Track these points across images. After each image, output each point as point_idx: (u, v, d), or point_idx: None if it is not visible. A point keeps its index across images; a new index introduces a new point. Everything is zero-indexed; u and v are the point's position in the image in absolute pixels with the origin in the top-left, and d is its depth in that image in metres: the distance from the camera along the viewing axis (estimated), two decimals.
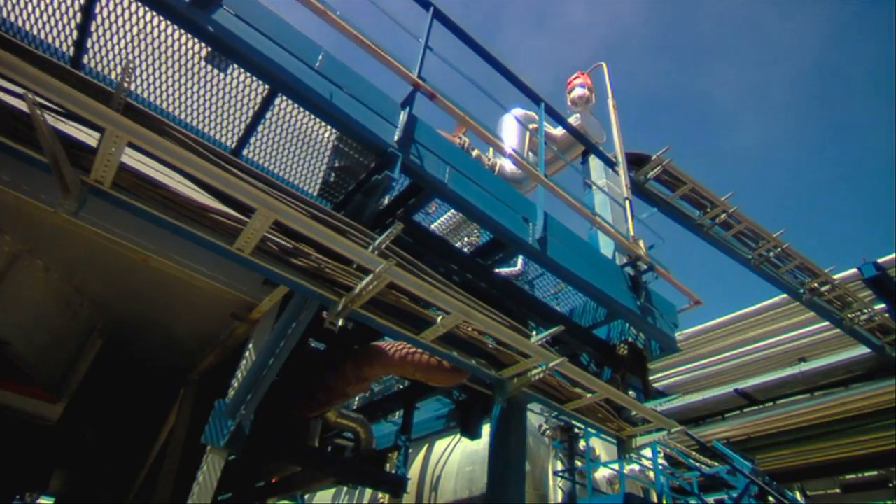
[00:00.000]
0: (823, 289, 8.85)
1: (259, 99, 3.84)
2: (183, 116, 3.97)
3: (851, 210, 57.10)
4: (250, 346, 4.09)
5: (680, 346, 17.03)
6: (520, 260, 6.10)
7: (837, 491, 15.40)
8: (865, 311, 9.41)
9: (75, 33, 3.56)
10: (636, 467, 9.97)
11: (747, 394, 14.09)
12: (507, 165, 7.46)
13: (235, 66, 3.68)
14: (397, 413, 8.25)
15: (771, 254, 8.33)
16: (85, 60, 3.71)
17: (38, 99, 2.40)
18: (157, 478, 5.00)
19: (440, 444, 10.63)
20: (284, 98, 3.79)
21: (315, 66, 3.58)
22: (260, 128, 4.02)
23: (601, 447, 9.95)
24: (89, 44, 3.61)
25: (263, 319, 4.28)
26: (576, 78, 7.81)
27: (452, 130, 7.35)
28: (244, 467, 7.98)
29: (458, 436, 9.23)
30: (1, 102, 2.59)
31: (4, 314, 3.99)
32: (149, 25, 3.56)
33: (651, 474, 9.47)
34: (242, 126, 4.02)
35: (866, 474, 14.52)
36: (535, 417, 9.78)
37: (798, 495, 14.97)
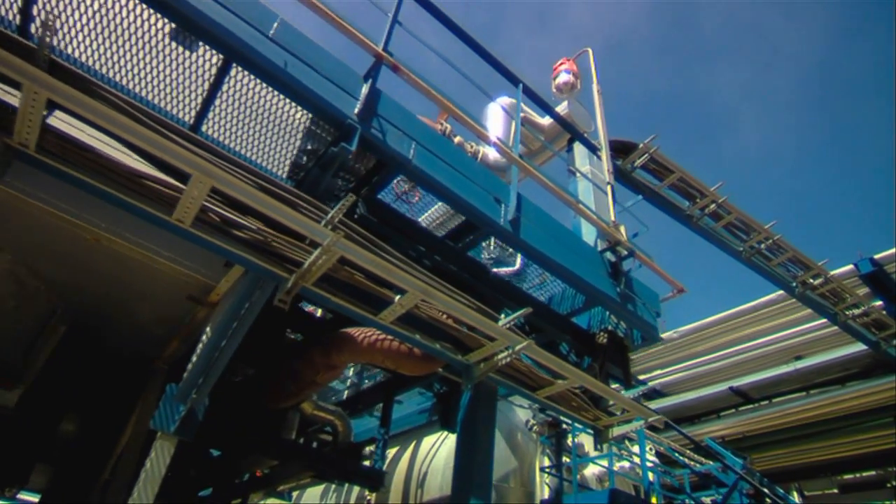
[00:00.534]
0: (816, 282, 8.66)
1: (214, 70, 3.68)
2: (138, 90, 3.82)
3: (854, 211, 56.83)
4: (207, 329, 3.92)
5: (675, 343, 16.87)
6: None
7: (835, 491, 15.19)
8: (862, 306, 9.22)
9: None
10: (627, 464, 9.79)
11: (742, 392, 13.91)
12: (491, 154, 7.29)
13: (188, 34, 3.52)
14: (380, 407, 8.08)
15: (762, 245, 8.15)
16: (32, 30, 3.56)
17: None
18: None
19: (428, 441, 10.45)
20: (240, 69, 3.64)
21: (269, 34, 3.43)
22: (217, 101, 3.86)
23: (592, 444, 9.77)
24: (35, 11, 3.46)
25: (223, 302, 4.12)
26: (561, 64, 7.63)
27: (436, 119, 7.20)
28: (222, 462, 7.83)
29: (447, 431, 9.08)
30: None
31: None
32: None
33: (643, 472, 9.28)
34: (199, 100, 3.86)
35: (864, 474, 14.32)
36: (524, 413, 9.62)
37: (795, 496, 14.78)
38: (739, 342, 14.33)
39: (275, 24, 3.47)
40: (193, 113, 3.96)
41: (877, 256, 11.14)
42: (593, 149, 5.99)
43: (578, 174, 6.24)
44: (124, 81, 3.71)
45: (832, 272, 9.07)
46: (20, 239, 4.08)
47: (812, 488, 15.49)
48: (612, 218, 5.28)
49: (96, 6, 3.37)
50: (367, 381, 9.11)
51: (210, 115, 3.95)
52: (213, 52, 3.58)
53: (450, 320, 3.68)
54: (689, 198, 7.80)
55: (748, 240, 8.12)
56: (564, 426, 8.93)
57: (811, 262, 8.47)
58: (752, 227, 8.01)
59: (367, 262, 3.04)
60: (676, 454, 10.74)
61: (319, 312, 7.35)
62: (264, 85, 3.80)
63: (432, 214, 5.66)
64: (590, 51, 7.00)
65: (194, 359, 3.77)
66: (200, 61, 3.69)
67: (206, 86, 3.77)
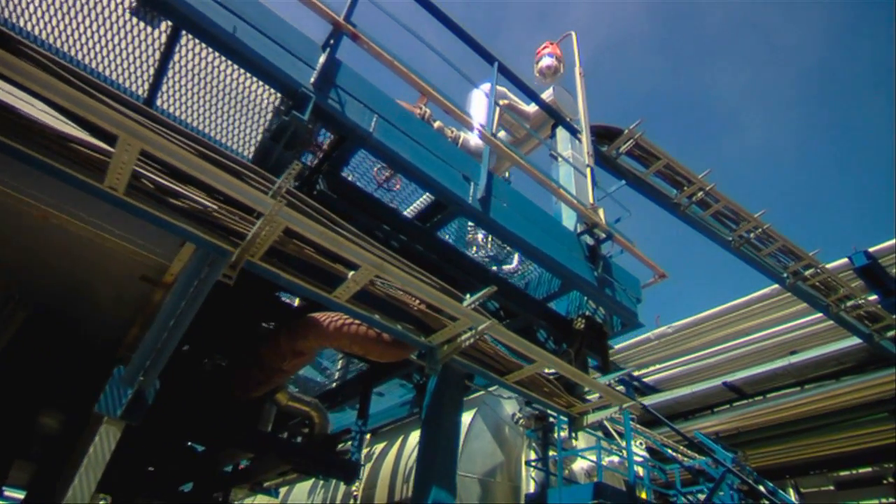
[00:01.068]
0: (807, 272, 8.49)
1: (164, 38, 3.52)
2: (87, 61, 3.66)
3: (854, 208, 56.63)
4: (160, 311, 3.77)
5: (669, 339, 16.68)
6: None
7: (831, 488, 15.01)
8: (858, 298, 9.04)
9: None
10: (617, 459, 9.63)
11: (736, 387, 13.75)
12: (472, 139, 7.13)
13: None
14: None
15: (751, 235, 7.99)
16: None
17: None
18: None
19: (415, 436, 10.30)
20: (191, 37, 3.48)
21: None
22: (170, 73, 3.71)
23: (582, 437, 9.60)
24: None
25: (177, 283, 3.95)
26: (545, 48, 7.46)
27: (415, 103, 7.04)
28: (201, 455, 7.68)
29: None
30: None
31: None
32: None
33: (637, 469, 9.11)
34: (151, 71, 3.70)
35: (860, 471, 14.15)
36: (511, 406, 9.45)
37: (791, 493, 14.61)
38: (733, 337, 14.18)
39: None
40: (147, 86, 3.80)
41: (871, 249, 10.99)
42: (573, 131, 5.83)
43: (560, 158, 6.07)
44: (72, 52, 3.55)
45: (827, 265, 8.91)
46: None
47: (808, 485, 15.32)
48: (591, 200, 5.12)
49: None
50: (352, 373, 8.96)
51: (164, 87, 3.79)
52: (162, 18, 3.44)
53: (411, 299, 3.52)
54: (676, 185, 7.64)
55: (737, 229, 7.95)
56: (551, 419, 8.76)
57: (801, 252, 8.31)
58: (740, 215, 7.85)
59: (315, 234, 2.88)
60: (668, 449, 10.57)
61: (297, 302, 7.19)
62: (220, 56, 3.64)
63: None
64: (573, 34, 6.84)
65: (143, 341, 3.62)
66: (149, 29, 3.53)
67: (158, 55, 3.62)
